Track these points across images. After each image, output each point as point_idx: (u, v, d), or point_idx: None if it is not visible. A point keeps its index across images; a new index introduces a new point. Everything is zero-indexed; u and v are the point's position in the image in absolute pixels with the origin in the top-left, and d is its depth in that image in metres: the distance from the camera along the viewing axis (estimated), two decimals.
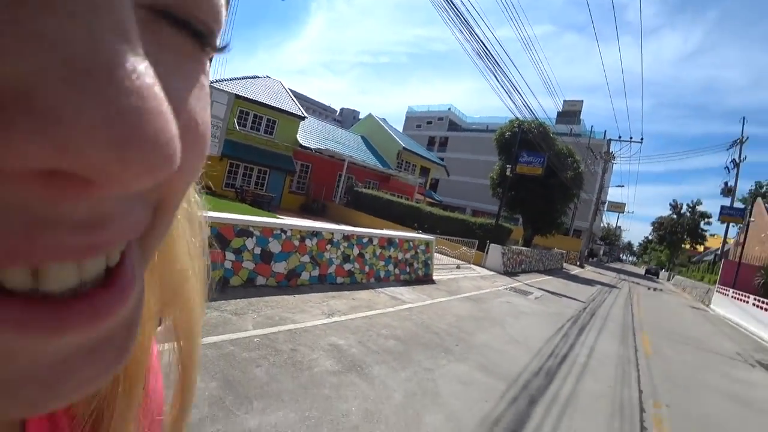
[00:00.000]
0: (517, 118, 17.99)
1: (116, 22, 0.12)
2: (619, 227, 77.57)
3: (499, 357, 4.28)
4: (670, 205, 51.96)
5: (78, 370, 0.14)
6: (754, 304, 13.73)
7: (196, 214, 0.25)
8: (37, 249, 0.12)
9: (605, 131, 35.71)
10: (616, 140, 31.03)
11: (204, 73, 0.18)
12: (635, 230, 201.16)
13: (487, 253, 12.62)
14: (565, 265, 23.24)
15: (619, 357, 5.56)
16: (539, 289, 10.76)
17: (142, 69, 0.12)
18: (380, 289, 6.13)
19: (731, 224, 26.72)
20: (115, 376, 0.19)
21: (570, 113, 34.35)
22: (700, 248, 51.91)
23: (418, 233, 8.73)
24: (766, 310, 12.65)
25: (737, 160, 27.27)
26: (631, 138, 29.99)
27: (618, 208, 45.12)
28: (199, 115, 0.17)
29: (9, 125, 0.10)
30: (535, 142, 16.97)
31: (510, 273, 12.68)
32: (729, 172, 28.51)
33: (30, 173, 0.11)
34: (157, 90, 0.12)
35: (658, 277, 43.36)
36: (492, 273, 11.53)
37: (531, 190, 18.26)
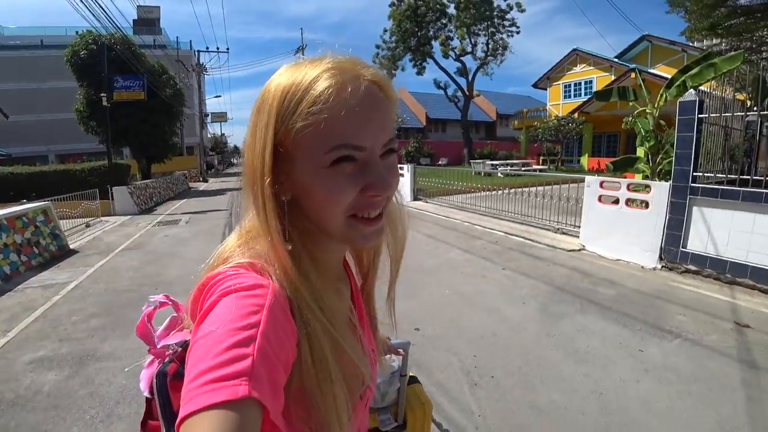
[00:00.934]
0: (90, 31, 14.90)
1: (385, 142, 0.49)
2: (224, 134, 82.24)
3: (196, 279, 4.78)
4: None
5: (378, 233, 0.51)
6: None
7: (396, 201, 0.60)
8: (379, 206, 0.49)
9: (190, 41, 34.93)
10: (205, 51, 31.37)
11: (397, 166, 0.53)
12: (239, 133, 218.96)
13: (112, 199, 11.39)
14: (191, 184, 23.65)
15: None
16: (183, 213, 11.12)
17: (388, 176, 0.49)
18: (20, 287, 4.95)
19: None
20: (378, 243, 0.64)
21: (148, 21, 30.69)
22: None
23: (23, 204, 6.97)
24: None
25: None
26: (218, 48, 31.14)
27: (221, 117, 47.42)
28: (397, 177, 0.52)
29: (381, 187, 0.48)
30: (125, 60, 14.83)
31: (147, 210, 12.18)
32: None
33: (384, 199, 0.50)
34: (390, 180, 0.49)
35: None
36: (129, 217, 10.79)
37: (131, 116, 16.23)
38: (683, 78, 6.26)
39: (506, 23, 25.89)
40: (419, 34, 26.12)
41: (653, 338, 3.21)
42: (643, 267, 5.07)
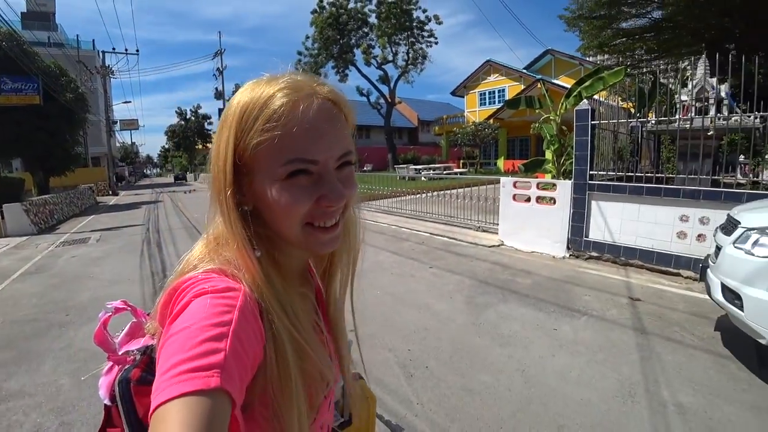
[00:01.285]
0: None
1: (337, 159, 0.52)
2: (135, 143, 75.51)
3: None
4: (176, 112, 53.69)
5: (334, 241, 0.53)
6: None
7: (353, 211, 0.63)
8: (334, 216, 0.52)
9: (93, 41, 31.42)
10: (111, 52, 28.34)
11: (354, 177, 0.56)
12: (152, 142, 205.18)
13: (2, 218, 10.00)
14: (99, 198, 21.51)
15: None
16: (93, 231, 10.09)
17: (342, 187, 0.51)
18: None
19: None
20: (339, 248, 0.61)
21: (40, 15, 26.80)
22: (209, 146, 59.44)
23: None
24: None
25: (221, 68, 32.11)
26: (126, 49, 28.31)
27: (131, 125, 43.59)
28: (354, 188, 0.56)
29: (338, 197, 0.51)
30: (14, 58, 12.92)
31: (47, 229, 10.87)
32: (217, 78, 33.15)
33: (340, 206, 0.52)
34: (343, 191, 0.51)
35: (186, 180, 46.92)
36: (25, 238, 9.54)
37: (24, 124, 14.28)
38: (579, 89, 7.08)
39: (425, 34, 27.05)
40: (341, 41, 26.33)
41: (565, 318, 3.62)
42: (554, 257, 5.64)
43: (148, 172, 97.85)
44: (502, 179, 6.65)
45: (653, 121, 5.88)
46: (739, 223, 2.76)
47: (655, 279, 4.57)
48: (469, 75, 27.83)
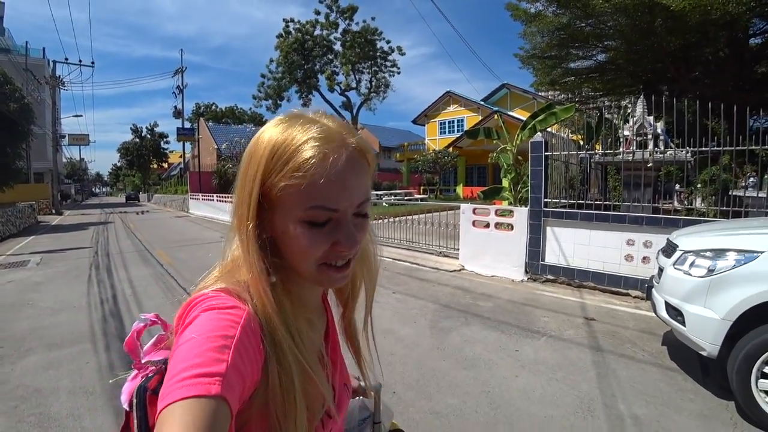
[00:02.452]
0: None
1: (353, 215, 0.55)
2: (83, 160, 71.45)
3: (55, 330, 4.11)
4: (131, 129, 51.88)
5: (344, 278, 0.56)
6: (217, 200, 18.51)
7: (370, 238, 0.65)
8: (345, 257, 0.55)
9: (44, 48, 29.77)
10: (63, 62, 26.50)
11: (367, 224, 0.59)
12: (102, 159, 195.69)
13: None
14: (40, 217, 20.07)
15: (153, 275, 6.51)
16: (33, 253, 9.35)
17: (356, 233, 0.55)
18: None
19: (187, 142, 31.56)
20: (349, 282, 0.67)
21: None
22: (166, 165, 56.98)
23: None
24: (223, 201, 17.59)
25: (181, 87, 31.23)
26: (80, 60, 26.87)
27: (81, 140, 41.35)
28: (365, 232, 0.59)
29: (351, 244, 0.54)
30: None
31: None
32: (176, 96, 32.12)
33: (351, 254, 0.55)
34: (357, 238, 0.55)
35: (139, 201, 45.02)
36: None
37: None
38: (533, 122, 7.54)
39: (388, 64, 28.02)
40: (306, 67, 26.67)
41: (526, 339, 3.74)
42: (513, 280, 5.84)
43: (97, 190, 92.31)
44: (462, 206, 6.87)
45: (600, 153, 6.35)
46: (678, 246, 3.02)
47: (607, 299, 4.85)
48: (430, 105, 28.88)
